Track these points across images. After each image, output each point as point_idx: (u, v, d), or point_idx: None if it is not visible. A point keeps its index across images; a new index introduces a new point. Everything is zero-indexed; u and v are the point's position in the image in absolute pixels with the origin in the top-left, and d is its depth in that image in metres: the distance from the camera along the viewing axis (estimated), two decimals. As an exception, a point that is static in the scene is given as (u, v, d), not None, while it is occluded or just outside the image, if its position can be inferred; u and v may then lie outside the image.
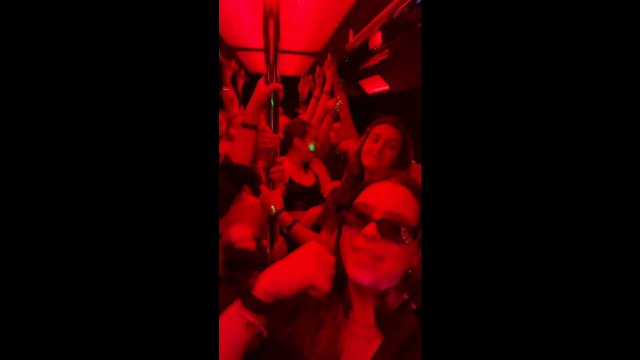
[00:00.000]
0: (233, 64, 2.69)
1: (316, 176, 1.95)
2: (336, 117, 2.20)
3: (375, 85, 2.93)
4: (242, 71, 3.30)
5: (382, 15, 1.59)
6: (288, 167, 1.83)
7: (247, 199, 1.36)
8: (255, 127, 1.15)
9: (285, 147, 1.84)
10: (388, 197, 0.70)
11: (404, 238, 0.66)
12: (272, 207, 1.27)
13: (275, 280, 0.64)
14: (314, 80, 2.95)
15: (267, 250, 1.31)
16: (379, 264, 0.66)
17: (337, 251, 0.73)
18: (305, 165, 1.95)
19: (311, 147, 1.84)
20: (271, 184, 1.29)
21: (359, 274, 0.66)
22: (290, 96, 2.74)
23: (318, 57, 2.97)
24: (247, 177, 1.19)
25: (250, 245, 1.14)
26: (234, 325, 0.64)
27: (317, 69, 2.94)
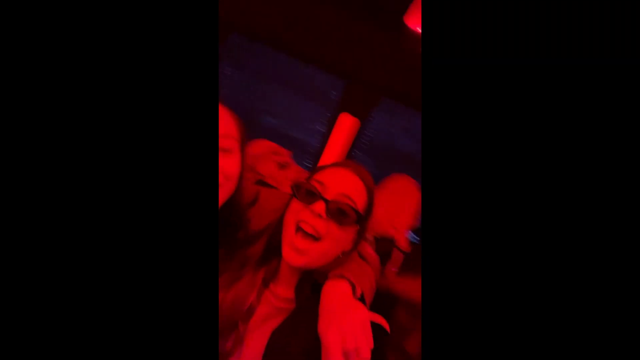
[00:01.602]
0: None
1: None
2: None
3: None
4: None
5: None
6: None
7: None
8: None
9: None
10: (343, 182, 0.73)
11: (349, 221, 0.70)
12: None
13: None
14: None
15: None
16: (314, 246, 0.69)
17: (279, 228, 0.75)
18: None
19: None
20: None
21: (294, 257, 0.69)
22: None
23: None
24: None
25: None
26: None
27: None
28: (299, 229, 0.70)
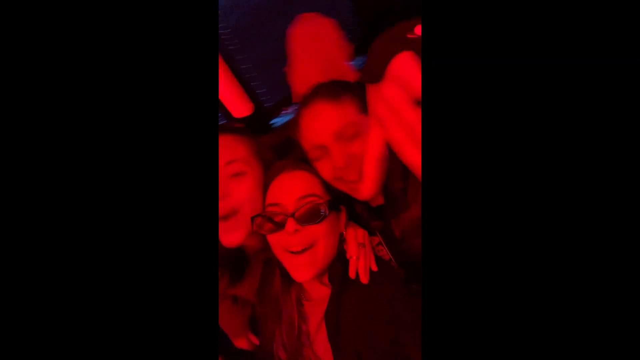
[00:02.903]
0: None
1: None
2: None
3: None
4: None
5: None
6: None
7: None
8: None
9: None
10: (292, 186, 0.73)
11: (322, 214, 0.70)
12: None
13: None
14: None
15: None
16: (313, 252, 0.70)
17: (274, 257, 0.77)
18: None
19: None
20: None
21: (303, 274, 0.71)
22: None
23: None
24: None
25: None
26: None
27: None
28: (291, 253, 0.71)
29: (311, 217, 0.70)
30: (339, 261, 0.74)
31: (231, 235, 0.80)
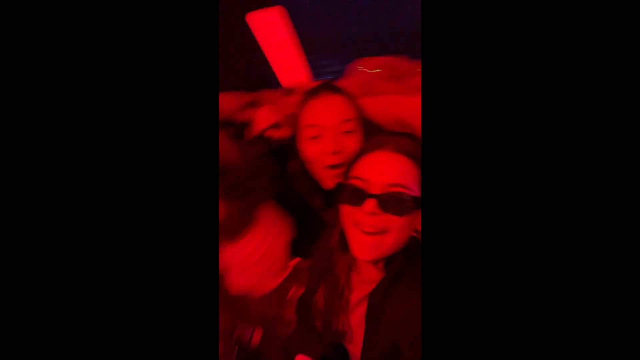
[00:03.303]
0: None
1: None
2: None
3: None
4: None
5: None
6: None
7: None
8: None
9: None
10: (386, 169, 0.68)
11: (407, 210, 0.65)
12: None
13: None
14: None
15: None
16: (382, 238, 0.66)
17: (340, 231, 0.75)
18: None
19: None
20: None
21: (363, 254, 0.68)
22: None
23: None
24: None
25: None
26: None
27: None
28: (360, 230, 0.67)
29: (394, 206, 0.65)
30: (402, 254, 0.70)
31: (332, 181, 0.93)
